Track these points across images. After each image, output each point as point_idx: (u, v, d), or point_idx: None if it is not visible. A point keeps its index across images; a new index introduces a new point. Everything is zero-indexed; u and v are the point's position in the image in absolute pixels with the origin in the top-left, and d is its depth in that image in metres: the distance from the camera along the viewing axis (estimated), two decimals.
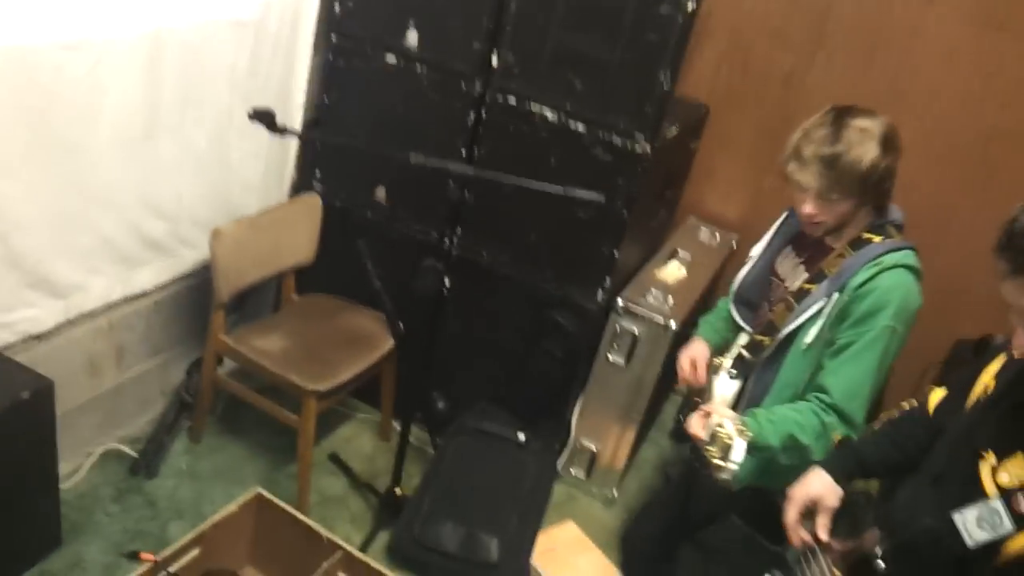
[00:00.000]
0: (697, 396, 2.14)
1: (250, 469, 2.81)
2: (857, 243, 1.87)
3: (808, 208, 1.85)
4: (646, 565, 2.25)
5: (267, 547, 2.33)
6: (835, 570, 1.49)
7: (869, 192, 1.82)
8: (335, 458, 2.93)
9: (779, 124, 3.11)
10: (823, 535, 1.53)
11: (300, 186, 3.02)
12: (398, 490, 2.68)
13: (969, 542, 1.24)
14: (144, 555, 2.02)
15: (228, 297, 2.59)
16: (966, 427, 1.40)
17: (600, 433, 2.99)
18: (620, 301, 2.78)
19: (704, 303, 3.19)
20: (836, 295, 1.84)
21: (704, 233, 3.34)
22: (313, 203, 2.84)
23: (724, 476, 1.71)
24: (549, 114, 2.56)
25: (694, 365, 2.13)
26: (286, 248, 2.77)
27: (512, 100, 2.59)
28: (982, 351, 2.83)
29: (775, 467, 1.90)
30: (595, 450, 3.01)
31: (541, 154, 2.61)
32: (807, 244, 2.01)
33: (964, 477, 1.32)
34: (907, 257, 1.81)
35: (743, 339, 2.13)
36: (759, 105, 3.15)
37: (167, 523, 2.55)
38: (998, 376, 1.41)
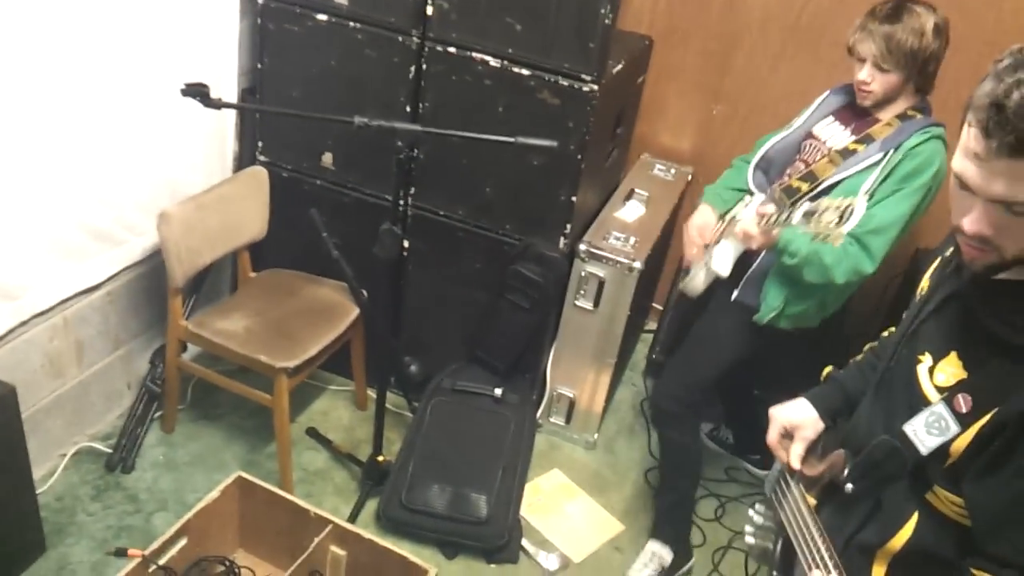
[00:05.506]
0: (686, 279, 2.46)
1: (229, 453, 2.78)
2: (904, 117, 2.17)
3: (864, 75, 2.16)
4: (675, 421, 2.53)
5: (255, 529, 2.31)
6: (808, 496, 1.51)
7: (917, 69, 2.11)
8: (313, 432, 2.91)
9: (722, 48, 3.10)
10: (796, 463, 1.55)
11: (244, 159, 2.95)
12: (380, 457, 2.67)
13: (923, 450, 1.27)
14: (132, 551, 2.00)
15: (183, 281, 2.53)
16: (904, 332, 1.41)
17: (576, 379, 3.00)
18: (583, 246, 2.76)
19: (666, 239, 3.19)
20: (891, 152, 2.11)
21: (659, 169, 3.32)
22: (259, 176, 2.76)
23: (845, 230, 1.75)
24: (492, 60, 2.50)
25: (702, 232, 2.42)
26: (237, 225, 2.71)
27: (452, 49, 2.52)
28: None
29: (797, 296, 2.25)
30: (572, 397, 3.02)
31: (487, 103, 2.55)
32: (851, 117, 2.28)
33: (904, 381, 1.34)
34: (943, 132, 2.14)
35: (750, 200, 2.37)
36: (702, 31, 3.10)
37: (151, 516, 2.52)
38: (931, 278, 1.42)
